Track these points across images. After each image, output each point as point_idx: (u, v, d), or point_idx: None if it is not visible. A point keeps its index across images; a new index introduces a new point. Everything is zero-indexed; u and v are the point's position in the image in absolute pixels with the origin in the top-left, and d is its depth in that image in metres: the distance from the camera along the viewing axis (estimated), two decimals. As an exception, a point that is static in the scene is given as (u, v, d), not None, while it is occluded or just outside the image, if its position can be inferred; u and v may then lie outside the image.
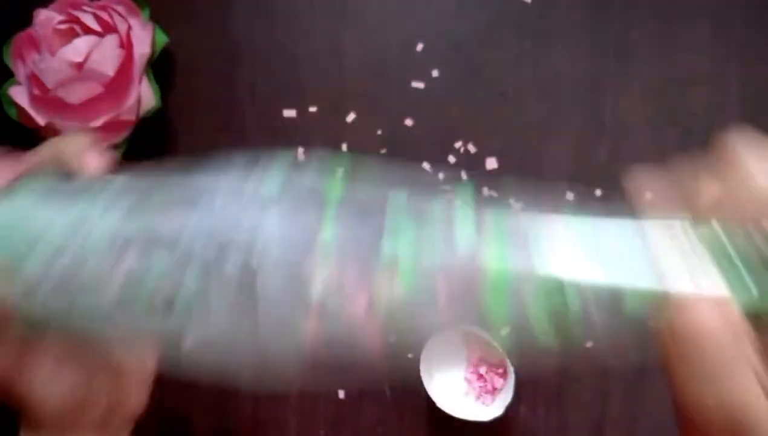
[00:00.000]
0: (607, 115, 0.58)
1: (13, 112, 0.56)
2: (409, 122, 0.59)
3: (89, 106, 0.54)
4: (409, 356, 0.58)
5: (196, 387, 0.60)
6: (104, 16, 0.54)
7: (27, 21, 0.55)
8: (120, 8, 0.55)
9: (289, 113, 0.59)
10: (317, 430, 0.60)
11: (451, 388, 0.58)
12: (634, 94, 0.58)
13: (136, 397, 0.38)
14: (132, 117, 0.55)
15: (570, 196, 0.58)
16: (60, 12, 0.54)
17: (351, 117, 0.59)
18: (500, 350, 0.54)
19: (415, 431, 0.59)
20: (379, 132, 0.59)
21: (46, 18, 0.54)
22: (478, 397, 0.58)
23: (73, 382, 0.34)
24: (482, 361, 0.58)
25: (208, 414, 0.60)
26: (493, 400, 0.57)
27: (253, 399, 0.60)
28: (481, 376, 0.58)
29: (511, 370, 0.54)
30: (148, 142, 0.60)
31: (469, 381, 0.58)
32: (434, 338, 0.55)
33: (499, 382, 0.57)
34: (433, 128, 0.58)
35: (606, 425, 0.58)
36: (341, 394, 0.60)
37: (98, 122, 0.54)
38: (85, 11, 0.54)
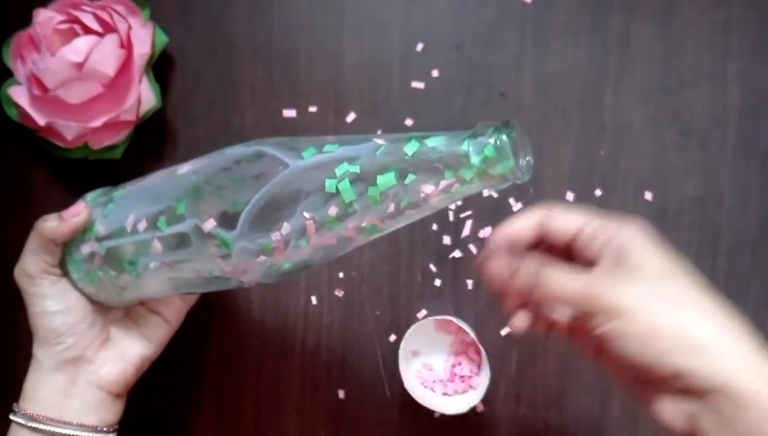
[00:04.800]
0: (607, 115, 0.58)
1: (13, 112, 0.56)
2: (409, 122, 0.59)
3: (89, 106, 0.54)
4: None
5: (197, 387, 0.60)
6: (104, 16, 0.54)
7: (27, 21, 0.55)
8: (120, 8, 0.55)
9: (289, 113, 0.59)
10: (317, 430, 0.60)
11: (427, 378, 0.58)
12: (634, 94, 0.58)
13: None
14: (132, 117, 0.55)
15: (570, 196, 0.58)
16: (60, 12, 0.54)
17: (351, 117, 0.59)
18: (476, 341, 0.54)
19: (415, 431, 0.59)
20: (379, 132, 0.59)
21: (46, 18, 0.54)
22: (451, 386, 0.58)
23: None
24: (459, 353, 0.58)
25: (209, 414, 0.60)
26: (467, 392, 0.57)
27: (254, 399, 0.60)
28: (457, 366, 0.58)
29: (485, 360, 0.54)
30: (148, 142, 0.60)
31: (445, 372, 0.58)
32: (413, 327, 0.55)
33: (474, 373, 0.57)
34: (433, 128, 0.58)
35: (606, 425, 0.58)
36: (341, 394, 0.60)
37: (98, 122, 0.54)
38: (85, 11, 0.54)
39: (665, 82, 0.57)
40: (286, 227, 0.39)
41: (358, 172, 0.38)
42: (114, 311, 0.51)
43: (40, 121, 0.55)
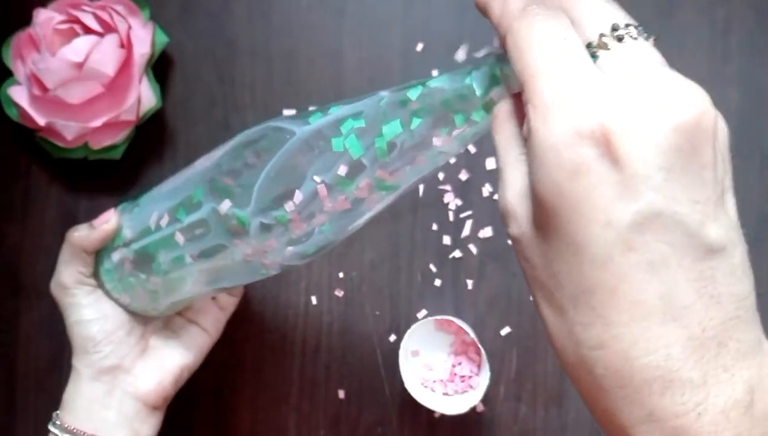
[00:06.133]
0: (607, 116, 0.58)
1: (13, 112, 0.56)
2: (409, 122, 0.59)
3: (89, 106, 0.54)
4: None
5: (197, 387, 0.60)
6: (104, 16, 0.54)
7: (27, 21, 0.55)
8: (120, 8, 0.55)
9: (289, 113, 0.59)
10: (317, 430, 0.60)
11: (427, 378, 0.58)
12: (634, 95, 0.58)
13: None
14: (132, 117, 0.55)
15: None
16: (60, 12, 0.54)
17: (351, 117, 0.59)
18: (476, 341, 0.54)
19: (415, 431, 0.59)
20: (379, 132, 0.59)
21: (46, 18, 0.54)
22: (451, 386, 0.58)
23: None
24: (459, 352, 0.58)
25: (208, 414, 0.60)
26: (467, 392, 0.57)
27: (254, 399, 0.60)
28: (457, 366, 0.58)
29: (485, 360, 0.54)
30: (148, 142, 0.60)
31: (445, 372, 0.58)
32: (413, 327, 0.55)
33: (474, 373, 0.57)
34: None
35: (606, 425, 0.58)
36: (341, 394, 0.60)
37: (98, 122, 0.54)
38: (85, 11, 0.54)
39: (665, 82, 0.58)
40: (298, 196, 0.38)
41: (363, 126, 0.37)
42: (153, 322, 0.51)
43: (40, 121, 0.55)
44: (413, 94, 0.36)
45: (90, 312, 0.48)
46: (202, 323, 0.52)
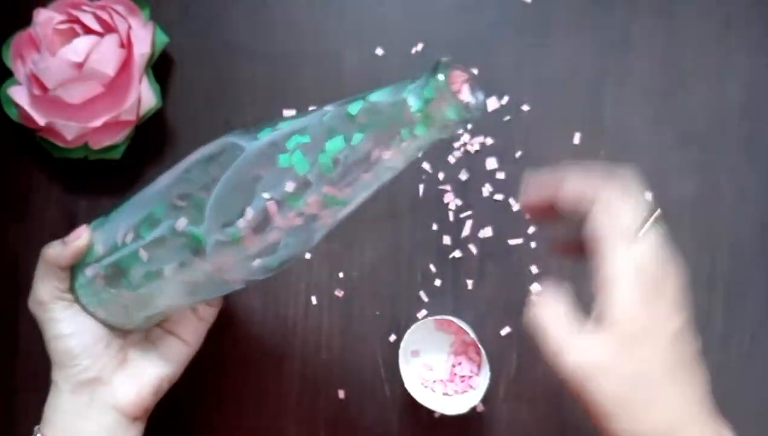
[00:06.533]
0: (607, 115, 0.58)
1: (13, 112, 0.56)
2: (409, 122, 0.59)
3: (89, 106, 0.54)
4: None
5: (196, 387, 0.60)
6: (104, 16, 0.54)
7: (27, 21, 0.55)
8: (120, 8, 0.55)
9: (289, 113, 0.59)
10: (317, 430, 0.60)
11: (427, 378, 0.58)
12: (634, 94, 0.58)
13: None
14: (132, 117, 0.55)
15: (570, 196, 0.58)
16: (60, 12, 0.54)
17: (351, 117, 0.59)
18: (476, 341, 0.54)
19: (415, 431, 0.59)
20: (379, 132, 0.59)
21: (46, 18, 0.54)
22: (451, 386, 0.58)
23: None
24: (459, 352, 0.58)
25: (208, 414, 0.60)
26: (467, 392, 0.57)
27: (254, 399, 0.60)
28: (457, 366, 0.58)
29: (485, 360, 0.54)
30: (148, 142, 0.60)
31: (445, 372, 0.58)
32: (413, 327, 0.55)
33: (474, 373, 0.57)
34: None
35: (606, 425, 0.58)
36: (341, 394, 0.60)
37: (98, 122, 0.54)
38: (85, 11, 0.54)
39: (665, 81, 0.57)
40: (249, 212, 0.38)
41: (308, 142, 0.37)
42: (132, 335, 0.51)
43: (40, 121, 0.55)
44: (354, 108, 0.36)
45: (67, 326, 0.48)
46: (181, 334, 0.52)
